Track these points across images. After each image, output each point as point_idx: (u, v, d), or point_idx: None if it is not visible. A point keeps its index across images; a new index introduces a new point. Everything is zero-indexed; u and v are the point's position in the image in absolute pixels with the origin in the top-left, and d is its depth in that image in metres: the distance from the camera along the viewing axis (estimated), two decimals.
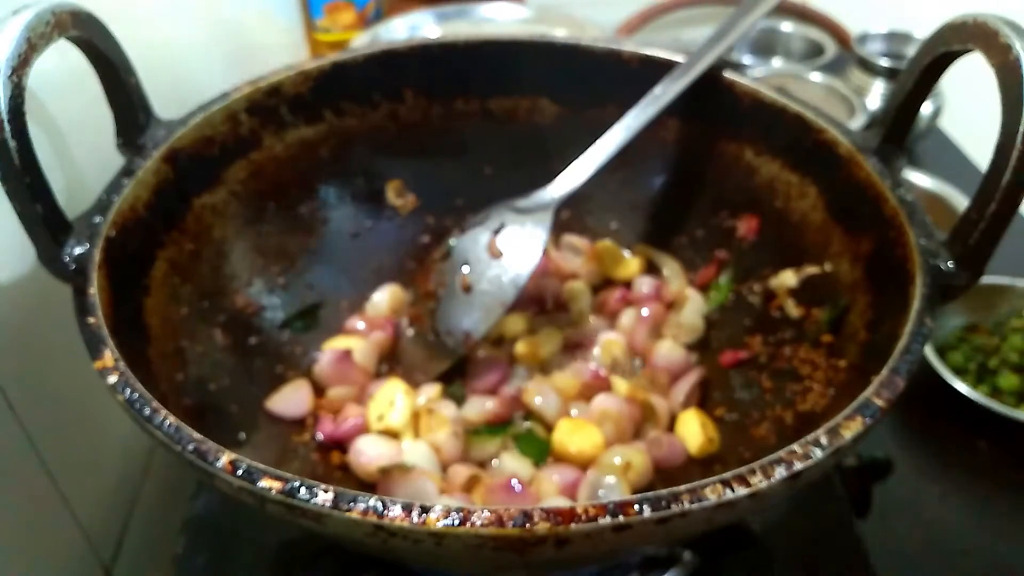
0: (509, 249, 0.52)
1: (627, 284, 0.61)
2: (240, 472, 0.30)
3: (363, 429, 0.51)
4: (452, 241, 0.55)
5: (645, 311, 0.57)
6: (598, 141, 0.52)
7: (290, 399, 0.52)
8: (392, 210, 0.61)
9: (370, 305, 0.59)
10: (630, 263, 0.61)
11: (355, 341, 0.56)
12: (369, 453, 0.49)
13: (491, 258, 0.52)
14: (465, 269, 0.53)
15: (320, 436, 0.51)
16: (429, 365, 0.54)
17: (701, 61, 0.51)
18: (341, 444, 0.51)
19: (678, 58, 0.54)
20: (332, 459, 0.50)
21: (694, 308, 0.57)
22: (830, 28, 1.12)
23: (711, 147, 0.56)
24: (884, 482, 0.56)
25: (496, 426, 0.51)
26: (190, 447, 0.31)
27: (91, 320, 0.36)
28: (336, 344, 0.56)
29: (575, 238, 0.62)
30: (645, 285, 0.59)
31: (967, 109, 0.79)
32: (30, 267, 0.44)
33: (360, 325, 0.58)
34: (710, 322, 0.57)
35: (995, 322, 0.65)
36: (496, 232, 0.53)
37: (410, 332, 0.57)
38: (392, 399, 0.51)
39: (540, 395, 0.51)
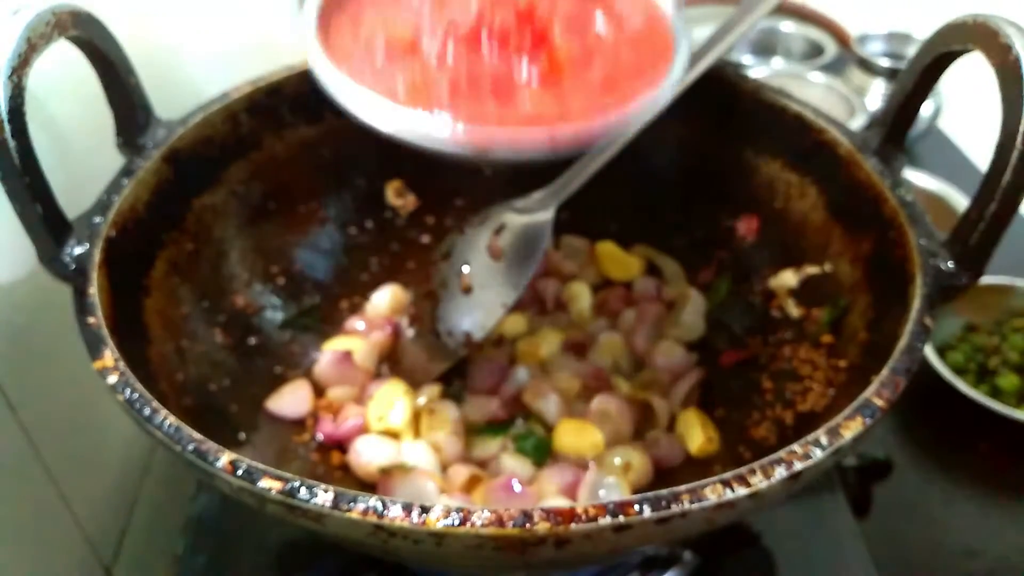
0: (510, 250, 0.52)
1: (627, 284, 0.61)
2: (240, 472, 0.30)
3: (363, 429, 0.51)
4: (452, 241, 0.55)
5: (645, 311, 0.57)
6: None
7: (290, 399, 0.52)
8: (392, 210, 0.61)
9: (370, 306, 0.59)
10: (630, 263, 0.61)
11: (355, 341, 0.56)
12: (369, 453, 0.49)
13: (491, 259, 0.52)
14: (465, 270, 0.53)
15: (320, 436, 0.51)
16: (430, 366, 0.54)
17: (701, 61, 0.51)
18: (341, 444, 0.51)
19: None
20: (332, 459, 0.50)
21: (695, 308, 0.57)
22: (830, 28, 1.11)
23: (711, 147, 0.56)
24: (884, 482, 0.56)
25: (496, 426, 0.51)
26: (190, 447, 0.31)
27: (91, 320, 0.36)
28: (336, 344, 0.56)
29: (575, 238, 0.62)
30: (645, 285, 0.59)
31: (967, 109, 0.79)
32: (30, 267, 0.44)
33: (360, 325, 0.58)
34: (710, 322, 0.57)
35: (995, 322, 0.65)
36: (496, 233, 0.53)
37: (410, 332, 0.57)
38: (392, 400, 0.51)
39: (540, 395, 0.51)
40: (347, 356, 0.54)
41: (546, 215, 0.52)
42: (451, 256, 0.54)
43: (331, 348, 0.55)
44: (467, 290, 0.53)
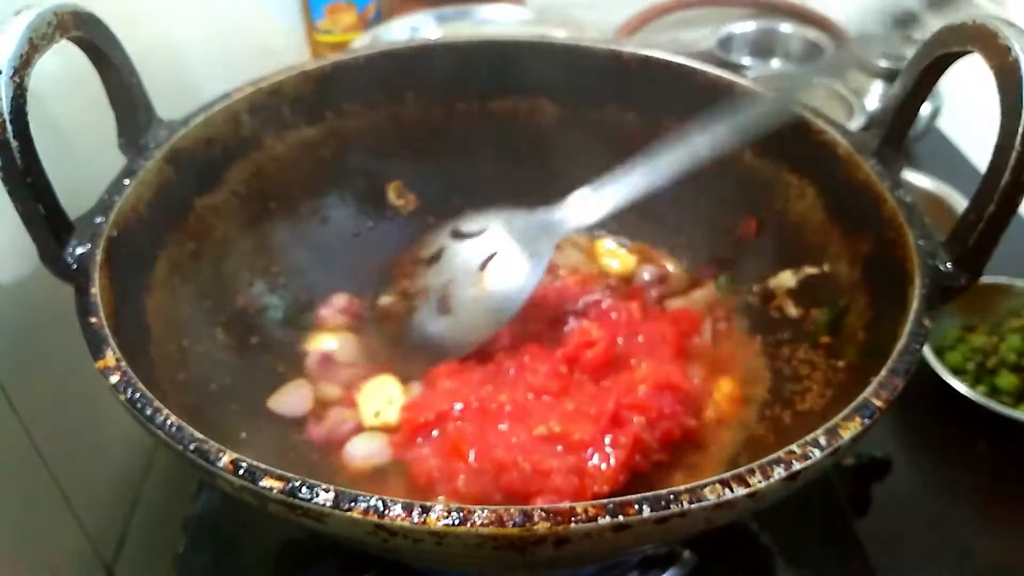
0: (498, 281, 0.51)
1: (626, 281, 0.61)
2: (242, 471, 0.30)
3: (353, 433, 0.50)
4: (442, 246, 0.54)
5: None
6: (627, 176, 0.50)
7: (290, 398, 0.52)
8: (393, 210, 0.61)
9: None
10: (628, 259, 0.62)
11: (333, 336, 0.56)
12: (362, 452, 0.49)
13: (478, 286, 0.51)
14: (450, 288, 0.52)
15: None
16: (398, 363, 0.54)
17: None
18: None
19: (678, 60, 0.54)
20: (333, 458, 0.50)
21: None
22: (829, 29, 1.12)
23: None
24: (883, 481, 0.56)
25: None
26: (192, 447, 0.31)
27: (93, 320, 0.36)
28: (319, 341, 0.55)
29: (575, 235, 0.62)
30: (647, 273, 0.60)
31: (966, 110, 0.79)
32: (32, 267, 0.44)
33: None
34: None
35: (993, 322, 0.65)
36: (491, 257, 0.52)
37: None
38: (390, 396, 0.51)
39: None
40: (328, 357, 0.53)
41: (547, 246, 0.51)
42: (439, 262, 0.54)
43: (314, 346, 0.55)
44: (447, 311, 0.52)
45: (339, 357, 0.54)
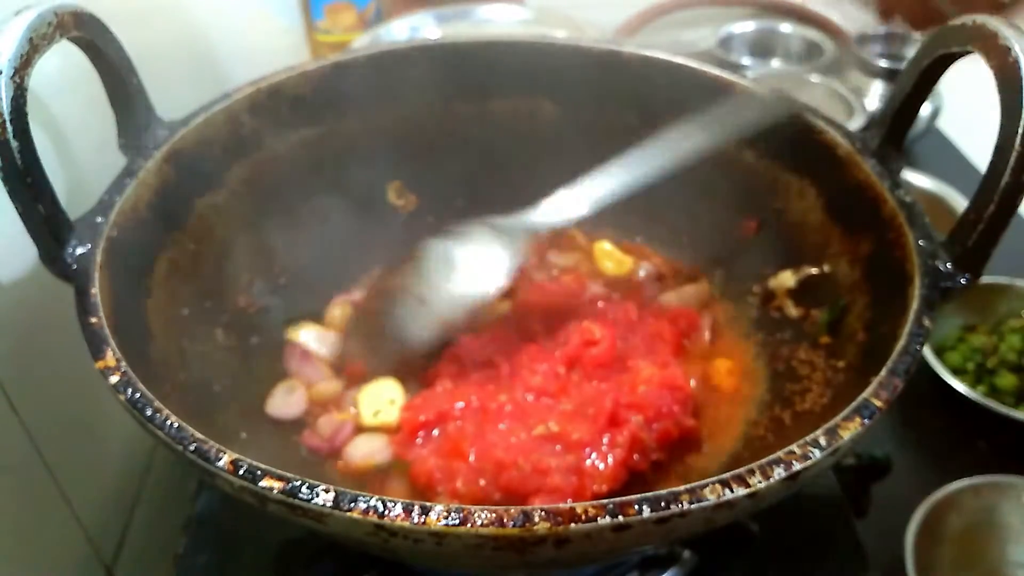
0: (470, 270, 0.51)
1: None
2: (242, 472, 0.30)
3: (348, 439, 0.50)
4: (428, 245, 0.55)
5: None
6: (603, 175, 0.50)
7: (285, 400, 0.52)
8: (393, 210, 0.61)
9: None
10: (624, 260, 0.62)
11: (314, 330, 0.56)
12: (363, 451, 0.49)
13: (451, 276, 0.52)
14: (426, 280, 0.53)
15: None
16: (369, 360, 0.54)
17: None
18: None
19: (678, 60, 0.54)
20: (333, 457, 0.50)
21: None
22: (829, 29, 1.12)
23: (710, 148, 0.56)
24: (883, 481, 0.56)
25: None
26: (192, 447, 0.31)
27: (93, 320, 0.36)
28: (299, 331, 0.56)
29: (576, 232, 0.62)
30: (645, 272, 0.60)
31: (966, 110, 0.79)
32: (32, 267, 0.44)
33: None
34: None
35: (993, 322, 0.65)
36: (464, 248, 0.52)
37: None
38: (388, 394, 0.52)
39: None
40: (305, 354, 0.53)
41: (518, 241, 0.51)
42: (418, 260, 0.54)
43: (293, 336, 0.55)
44: (420, 302, 0.52)
45: (315, 351, 0.54)
